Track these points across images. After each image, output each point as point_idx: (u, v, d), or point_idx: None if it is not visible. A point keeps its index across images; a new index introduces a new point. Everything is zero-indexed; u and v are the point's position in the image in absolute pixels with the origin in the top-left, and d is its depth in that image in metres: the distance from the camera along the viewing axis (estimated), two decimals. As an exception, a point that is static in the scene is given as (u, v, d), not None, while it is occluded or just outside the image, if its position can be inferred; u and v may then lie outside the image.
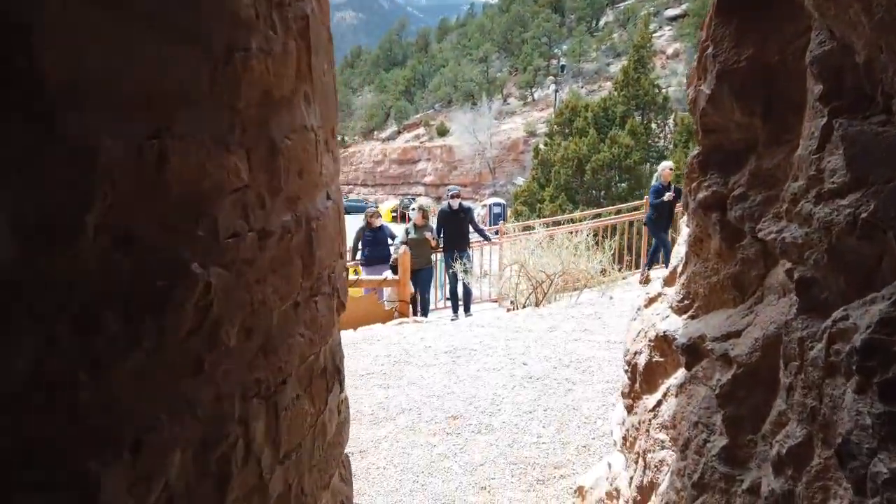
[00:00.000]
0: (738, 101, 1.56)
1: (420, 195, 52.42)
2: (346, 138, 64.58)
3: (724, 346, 1.55)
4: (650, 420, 1.96)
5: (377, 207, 9.60)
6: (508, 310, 5.63)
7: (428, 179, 54.07)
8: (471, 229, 8.92)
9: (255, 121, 1.24)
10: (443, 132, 54.03)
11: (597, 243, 6.63)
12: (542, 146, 18.92)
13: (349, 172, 62.66)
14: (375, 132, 62.03)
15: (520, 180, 38.19)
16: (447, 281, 8.78)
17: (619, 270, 7.10)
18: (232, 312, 1.16)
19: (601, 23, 59.60)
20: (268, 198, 1.30)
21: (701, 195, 1.74)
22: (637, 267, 8.71)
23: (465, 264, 7.98)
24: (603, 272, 6.27)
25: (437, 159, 53.85)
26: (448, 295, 8.99)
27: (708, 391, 1.60)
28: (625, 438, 2.21)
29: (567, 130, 16.75)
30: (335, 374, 1.80)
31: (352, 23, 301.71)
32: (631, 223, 9.47)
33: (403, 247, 8.00)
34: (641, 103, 16.15)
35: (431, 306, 9.08)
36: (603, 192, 15.42)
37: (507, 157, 48.37)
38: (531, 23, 57.69)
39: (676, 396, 1.80)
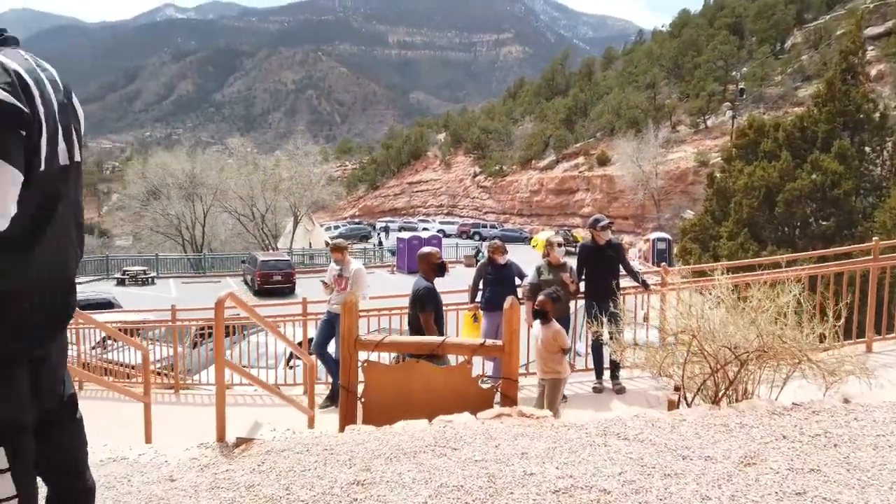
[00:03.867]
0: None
1: (577, 226, 50.02)
2: (504, 167, 63.91)
3: None
4: None
5: (499, 241, 7.83)
6: (671, 405, 3.65)
7: (586, 210, 51.55)
8: (621, 270, 6.98)
9: None
10: (603, 161, 51.35)
11: (815, 306, 4.40)
12: (717, 173, 16.15)
13: (505, 202, 61.82)
14: (534, 161, 60.74)
15: (689, 213, 34.67)
16: (587, 335, 6.86)
17: (838, 341, 4.69)
18: None
19: (787, 44, 54.00)
20: None
21: None
22: (861, 335, 6.19)
23: (611, 316, 6.00)
24: (822, 345, 4.06)
25: (596, 189, 51.24)
26: (588, 350, 7.08)
27: None
28: None
29: (751, 154, 13.97)
30: None
31: (518, 56, 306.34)
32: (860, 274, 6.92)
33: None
34: (851, 122, 12.98)
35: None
36: (798, 230, 12.48)
37: (675, 188, 44.79)
38: (705, 46, 53.51)
39: None
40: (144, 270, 30.96)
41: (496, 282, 7.04)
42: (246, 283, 29.75)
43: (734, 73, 48.38)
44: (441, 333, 5.25)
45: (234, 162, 47.52)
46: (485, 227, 54.21)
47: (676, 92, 54.85)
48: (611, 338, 4.88)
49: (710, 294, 4.50)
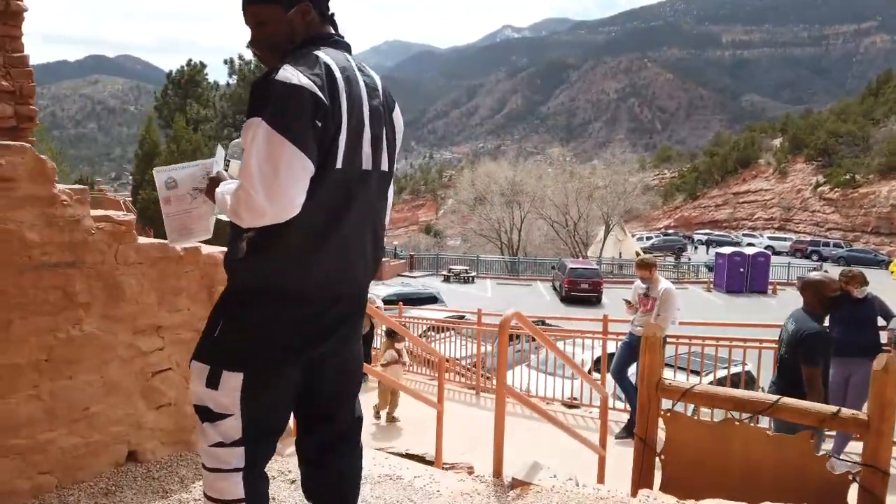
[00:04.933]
0: None
1: (960, 252, 39.71)
2: (857, 177, 54.00)
3: None
4: None
5: (856, 270, 6.28)
6: None
7: (975, 232, 40.72)
8: None
9: None
10: None
11: None
12: None
13: (856, 217, 52.37)
14: (899, 170, 50.12)
15: None
16: None
17: None
18: None
19: None
20: None
21: None
22: None
23: None
24: None
25: None
26: None
27: None
28: None
29: None
30: None
31: (884, 47, 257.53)
32: None
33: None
34: None
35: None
36: None
37: None
38: None
39: None
40: (466, 270, 33.81)
41: (852, 321, 5.64)
42: (555, 288, 30.36)
43: None
44: (824, 394, 4.14)
45: (552, 171, 49.10)
46: (826, 245, 46.43)
47: None
48: None
49: None
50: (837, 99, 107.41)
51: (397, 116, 1.90)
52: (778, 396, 3.58)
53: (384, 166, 1.83)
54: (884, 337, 5.78)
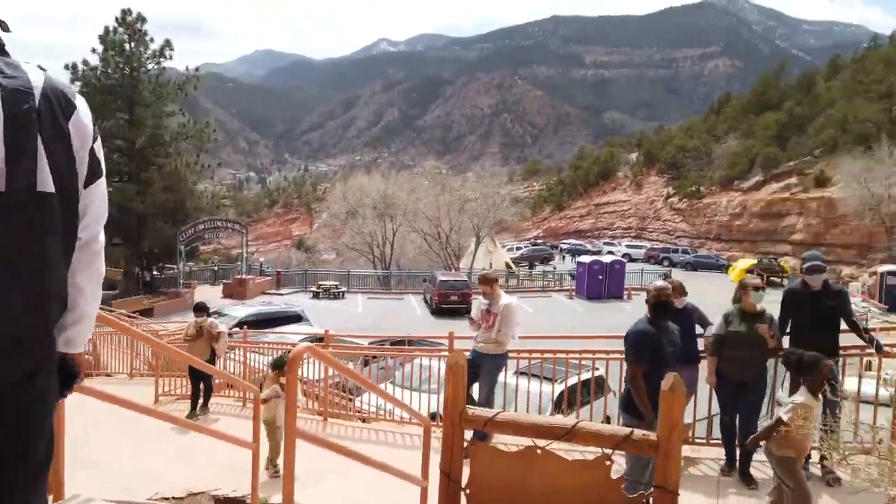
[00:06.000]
0: None
1: (785, 255, 44.41)
2: (702, 188, 59.14)
3: None
4: None
5: (677, 280, 6.47)
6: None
7: (797, 237, 45.79)
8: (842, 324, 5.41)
9: None
10: (822, 182, 45.18)
11: None
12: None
13: (701, 225, 57.17)
14: (736, 182, 55.41)
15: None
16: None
17: None
18: None
19: None
20: None
21: None
22: None
23: (826, 404, 4.54)
24: None
25: (811, 213, 45.26)
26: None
27: None
28: None
29: None
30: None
31: (725, 71, 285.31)
32: None
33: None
34: None
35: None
36: None
37: (913, 213, 37.93)
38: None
39: None
40: (336, 285, 33.08)
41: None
42: (426, 301, 30.38)
43: None
44: (654, 398, 4.25)
45: (426, 183, 49.46)
46: (675, 251, 50.37)
47: (919, 102, 46.72)
48: (826, 432, 3.57)
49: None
50: (686, 117, 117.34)
51: (77, 125, 1.53)
52: (577, 420, 3.50)
53: (44, 186, 1.46)
54: (701, 344, 5.98)
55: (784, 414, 3.88)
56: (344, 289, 33.57)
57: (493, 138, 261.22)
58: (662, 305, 4.49)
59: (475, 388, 6.94)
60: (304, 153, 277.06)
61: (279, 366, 6.29)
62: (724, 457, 5.45)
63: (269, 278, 35.22)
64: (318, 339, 12.86)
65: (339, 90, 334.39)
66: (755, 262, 39.83)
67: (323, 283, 33.40)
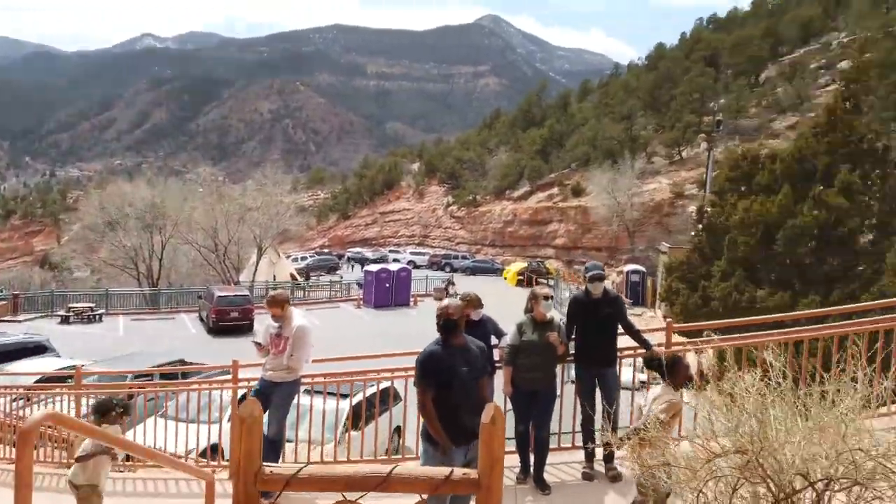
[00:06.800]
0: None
1: (550, 258, 48.85)
2: (478, 198, 62.88)
3: None
4: None
5: (473, 293, 6.24)
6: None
7: (559, 241, 50.61)
8: (620, 330, 5.76)
9: None
10: (578, 192, 50.57)
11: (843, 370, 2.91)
12: (708, 207, 14.95)
13: (477, 232, 60.62)
14: (508, 191, 59.83)
15: (664, 246, 33.67)
16: (578, 408, 5.60)
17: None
18: None
19: (762, 77, 54.33)
20: None
21: None
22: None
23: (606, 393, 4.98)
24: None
25: (570, 220, 50.35)
26: (577, 427, 5.83)
27: None
28: None
29: (744, 188, 12.79)
30: None
31: (495, 89, 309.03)
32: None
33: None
34: (854, 153, 11.86)
35: (553, 446, 5.82)
36: (798, 270, 11.24)
37: (649, 219, 44.10)
38: (681, 79, 53.54)
39: None
40: (91, 307, 28.87)
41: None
42: (202, 319, 27.83)
43: (711, 104, 48.34)
44: (451, 419, 4.05)
45: (202, 191, 45.72)
46: (456, 257, 52.82)
47: (652, 123, 54.67)
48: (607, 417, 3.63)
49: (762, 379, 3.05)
50: (461, 130, 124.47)
51: None
52: (393, 467, 2.90)
53: None
54: (497, 355, 5.90)
55: (661, 413, 3.85)
56: (102, 311, 29.41)
57: (274, 144, 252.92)
58: (449, 325, 4.22)
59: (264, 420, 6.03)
60: (51, 156, 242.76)
61: (103, 411, 4.92)
62: (519, 464, 5.48)
63: (2, 303, 29.63)
64: (68, 376, 10.76)
65: (95, 87, 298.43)
66: (525, 265, 43.15)
67: (75, 305, 28.91)
